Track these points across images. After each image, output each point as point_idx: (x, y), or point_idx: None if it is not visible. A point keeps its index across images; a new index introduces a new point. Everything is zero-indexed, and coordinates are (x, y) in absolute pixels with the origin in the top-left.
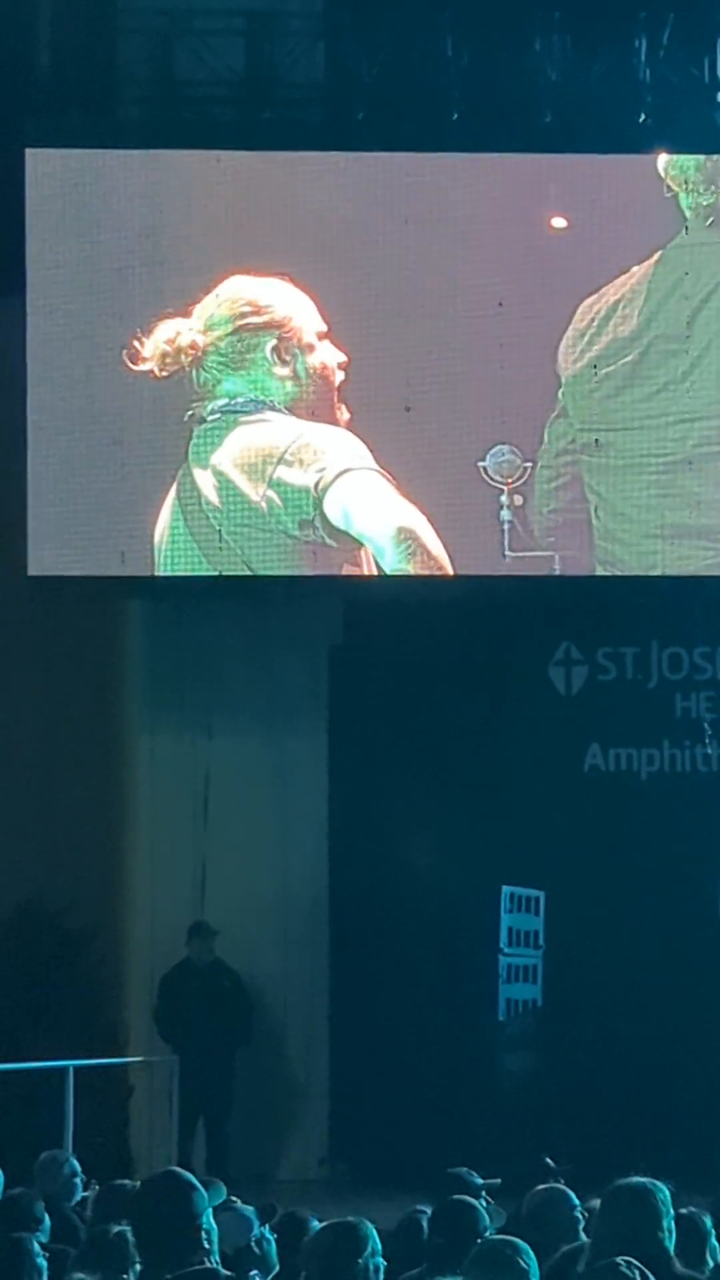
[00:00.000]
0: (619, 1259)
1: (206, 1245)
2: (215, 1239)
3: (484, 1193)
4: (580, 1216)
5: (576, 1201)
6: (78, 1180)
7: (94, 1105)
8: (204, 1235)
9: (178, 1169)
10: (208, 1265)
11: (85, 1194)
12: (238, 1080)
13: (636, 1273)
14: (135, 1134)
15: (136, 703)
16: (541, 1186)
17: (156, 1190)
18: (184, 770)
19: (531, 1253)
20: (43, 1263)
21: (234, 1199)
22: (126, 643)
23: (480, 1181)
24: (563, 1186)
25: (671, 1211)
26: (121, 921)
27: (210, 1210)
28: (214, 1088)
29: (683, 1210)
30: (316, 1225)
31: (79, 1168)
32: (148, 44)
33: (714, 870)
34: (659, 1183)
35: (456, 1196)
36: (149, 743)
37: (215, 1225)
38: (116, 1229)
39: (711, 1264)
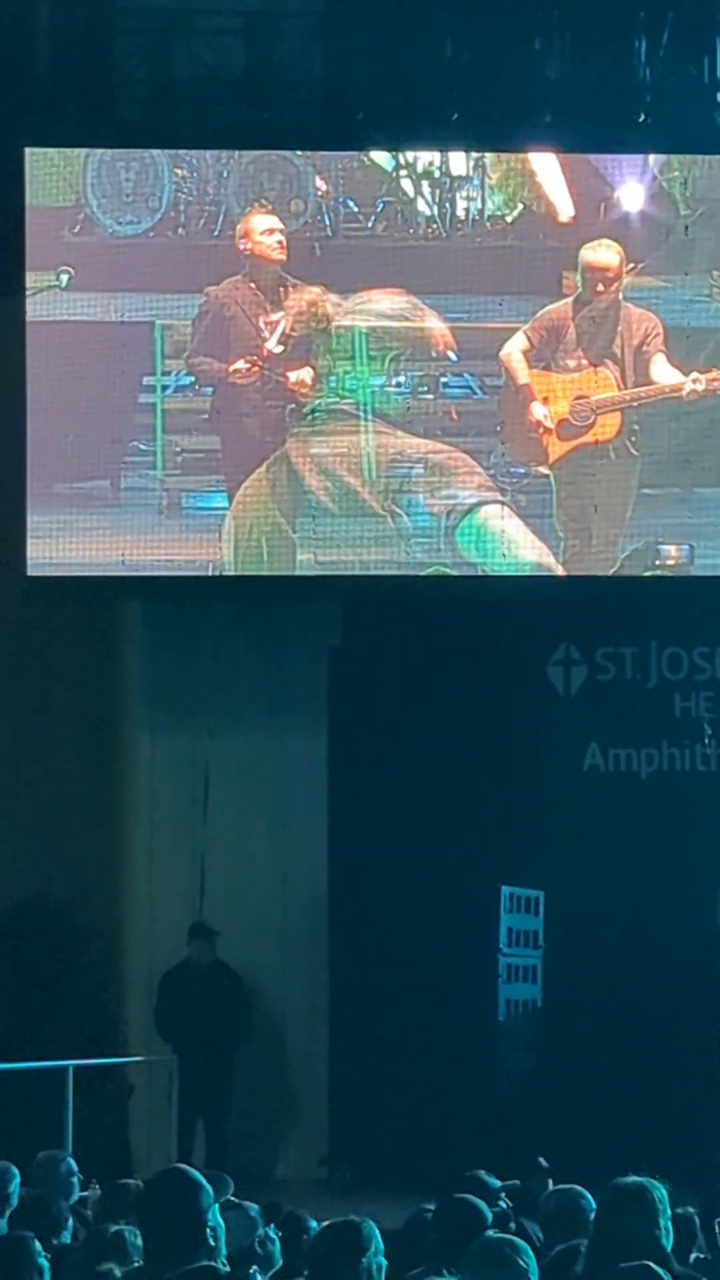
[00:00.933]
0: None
1: (212, 1242)
2: (221, 1235)
3: (503, 1194)
4: None
5: (595, 1203)
6: (75, 1180)
7: (94, 1105)
8: (210, 1232)
9: (183, 1166)
10: (206, 1264)
11: (84, 1193)
12: (237, 1080)
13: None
14: (135, 1134)
15: (136, 702)
16: (560, 1186)
17: (162, 1187)
18: (184, 769)
19: (530, 1252)
20: (44, 1262)
21: (233, 1199)
22: (126, 643)
23: (498, 1184)
24: (580, 1187)
25: (669, 1210)
26: (121, 921)
27: (216, 1207)
28: (214, 1088)
29: (678, 1210)
30: (314, 1225)
31: (75, 1167)
32: (147, 43)
33: (714, 870)
34: (656, 1181)
35: (459, 1195)
36: (149, 742)
37: (221, 1221)
38: (115, 1228)
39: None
